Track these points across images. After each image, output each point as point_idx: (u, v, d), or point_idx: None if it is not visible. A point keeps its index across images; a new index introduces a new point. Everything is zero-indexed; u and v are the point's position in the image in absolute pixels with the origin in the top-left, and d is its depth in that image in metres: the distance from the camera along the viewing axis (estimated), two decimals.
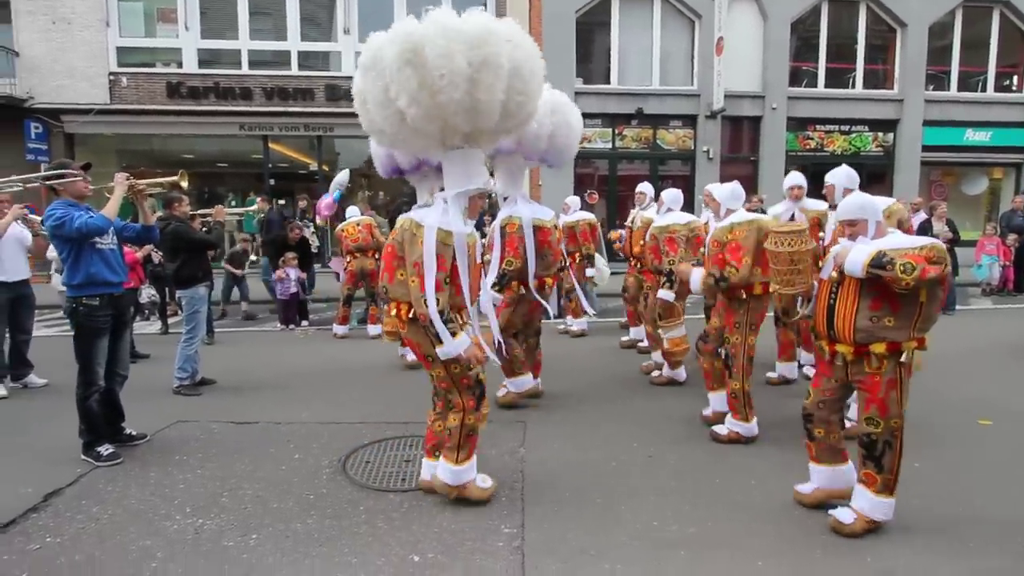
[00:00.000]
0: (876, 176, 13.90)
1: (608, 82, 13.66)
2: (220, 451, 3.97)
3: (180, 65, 12.96)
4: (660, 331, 5.14)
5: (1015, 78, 14.59)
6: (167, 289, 7.99)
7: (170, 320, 8.01)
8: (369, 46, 2.92)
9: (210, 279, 5.59)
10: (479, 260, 3.34)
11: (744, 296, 3.90)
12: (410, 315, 3.03)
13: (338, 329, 7.54)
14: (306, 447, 4.01)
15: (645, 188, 6.63)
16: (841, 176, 4.40)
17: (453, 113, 2.84)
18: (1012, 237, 10.43)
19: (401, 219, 3.12)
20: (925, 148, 14.10)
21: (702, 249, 4.52)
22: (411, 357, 5.84)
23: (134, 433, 4.13)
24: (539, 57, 3.10)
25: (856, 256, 2.73)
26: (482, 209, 3.51)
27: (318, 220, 9.03)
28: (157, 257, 7.38)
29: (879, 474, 2.85)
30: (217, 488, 3.43)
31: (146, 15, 13.15)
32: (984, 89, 14.45)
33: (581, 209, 7.61)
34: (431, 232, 2.95)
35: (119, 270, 3.91)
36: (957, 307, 8.98)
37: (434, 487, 3.23)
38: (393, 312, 3.12)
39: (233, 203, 13.33)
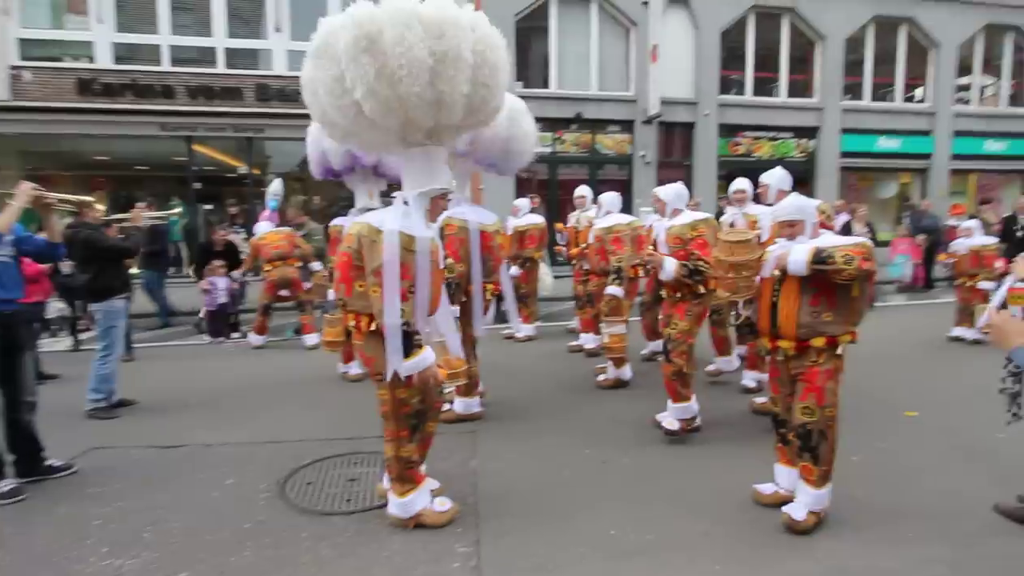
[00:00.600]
0: (800, 181, 14.55)
1: (547, 86, 13.74)
2: (142, 480, 3.62)
3: (92, 60, 12.02)
4: (602, 325, 5.16)
5: (920, 90, 15.79)
6: (78, 301, 7.32)
7: (82, 336, 7.35)
8: (320, 32, 2.72)
9: (129, 290, 5.15)
10: (441, 265, 3.18)
11: (702, 290, 3.97)
12: (371, 327, 2.81)
13: (254, 339, 7.16)
14: (241, 470, 3.72)
15: (584, 191, 6.70)
16: (775, 178, 4.67)
17: (414, 107, 2.69)
18: (921, 237, 11.22)
19: (355, 225, 2.88)
20: (843, 154, 15.01)
21: (649, 247, 4.56)
22: (353, 372, 5.59)
23: (57, 464, 3.68)
24: (504, 48, 2.95)
25: (798, 256, 2.87)
26: (443, 210, 3.31)
27: None
28: (67, 267, 6.74)
29: (816, 466, 2.95)
30: (139, 522, 3.11)
31: (53, 5, 12.13)
32: (893, 99, 15.56)
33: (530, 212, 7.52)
34: (392, 237, 2.73)
35: (11, 285, 3.49)
36: (875, 303, 9.55)
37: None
38: (351, 324, 2.91)
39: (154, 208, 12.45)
